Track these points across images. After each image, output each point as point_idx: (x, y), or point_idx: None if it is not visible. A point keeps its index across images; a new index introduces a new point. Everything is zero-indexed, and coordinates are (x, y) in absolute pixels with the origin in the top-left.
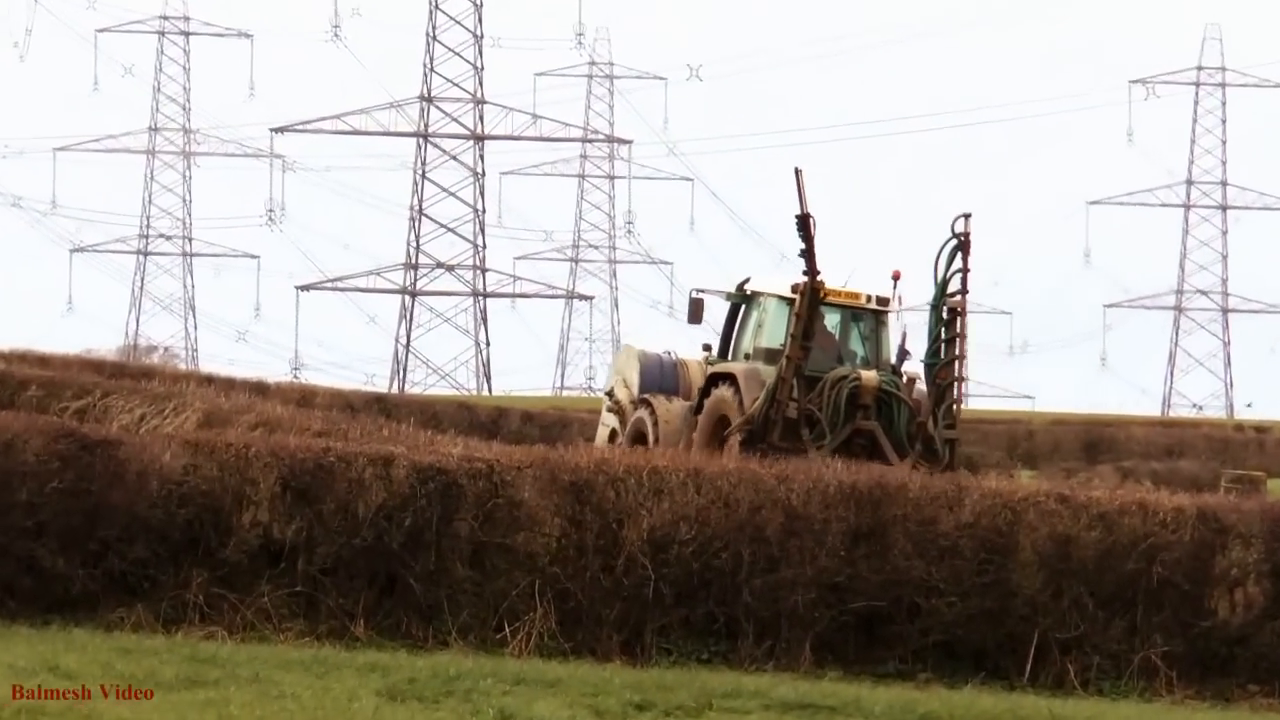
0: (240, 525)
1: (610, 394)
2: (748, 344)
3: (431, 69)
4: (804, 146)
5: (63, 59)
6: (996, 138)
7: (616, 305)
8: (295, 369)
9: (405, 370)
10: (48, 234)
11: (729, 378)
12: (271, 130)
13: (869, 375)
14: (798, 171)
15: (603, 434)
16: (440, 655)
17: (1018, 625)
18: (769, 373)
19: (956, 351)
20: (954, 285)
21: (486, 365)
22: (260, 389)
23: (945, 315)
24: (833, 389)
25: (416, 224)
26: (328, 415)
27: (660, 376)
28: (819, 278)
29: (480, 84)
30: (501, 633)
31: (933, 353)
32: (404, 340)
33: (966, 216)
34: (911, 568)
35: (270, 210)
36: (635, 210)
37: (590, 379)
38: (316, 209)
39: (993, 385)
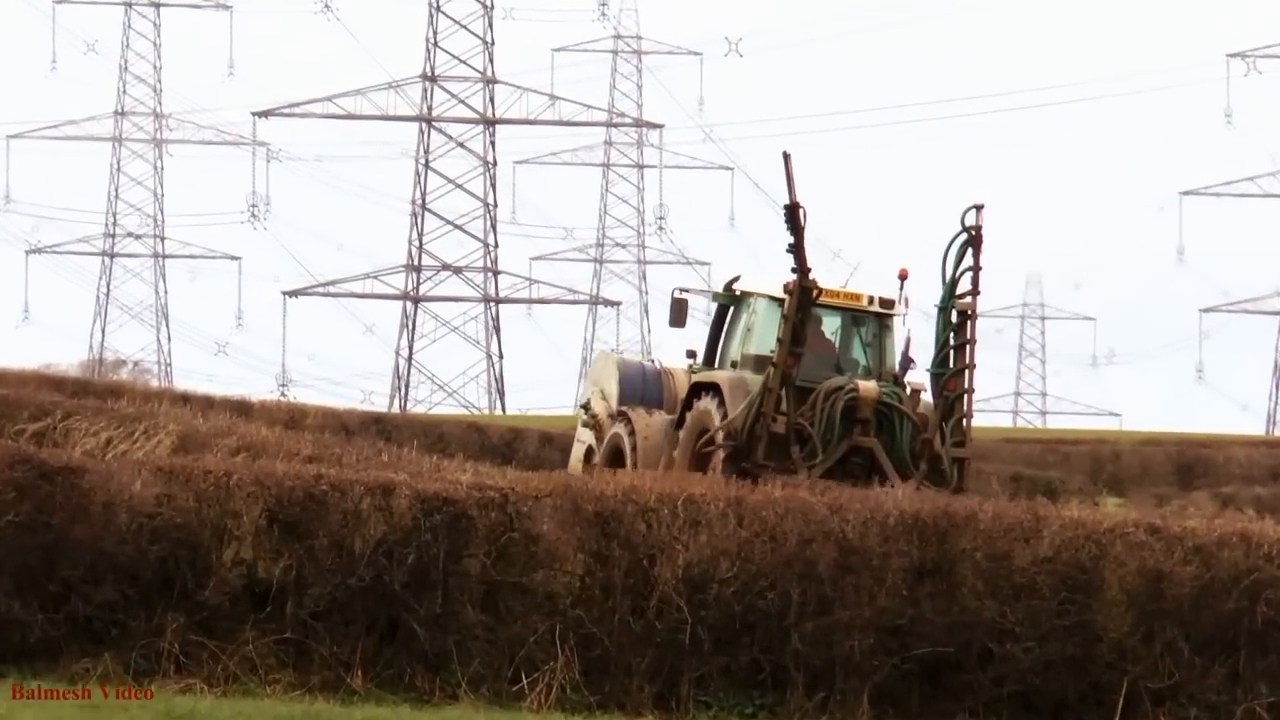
0: (221, 564)
1: (586, 407)
2: (735, 350)
3: (435, 44)
4: (857, 130)
5: (16, 35)
6: (1072, 121)
7: (646, 311)
8: (282, 385)
9: (407, 387)
10: (0, 233)
11: (713, 388)
12: (254, 114)
13: (867, 386)
14: (786, 156)
15: (577, 452)
16: (449, 710)
17: (1103, 673)
18: (757, 382)
19: (967, 359)
20: (964, 285)
21: (499, 380)
22: (243, 408)
23: (954, 319)
24: (826, 401)
25: (419, 220)
26: (319, 438)
27: (642, 387)
28: (810, 276)
29: (490, 61)
30: (518, 684)
31: (940, 361)
32: (405, 353)
33: (978, 208)
34: (982, 608)
35: (253, 205)
36: (667, 204)
37: None
38: (305, 204)
39: (1074, 401)
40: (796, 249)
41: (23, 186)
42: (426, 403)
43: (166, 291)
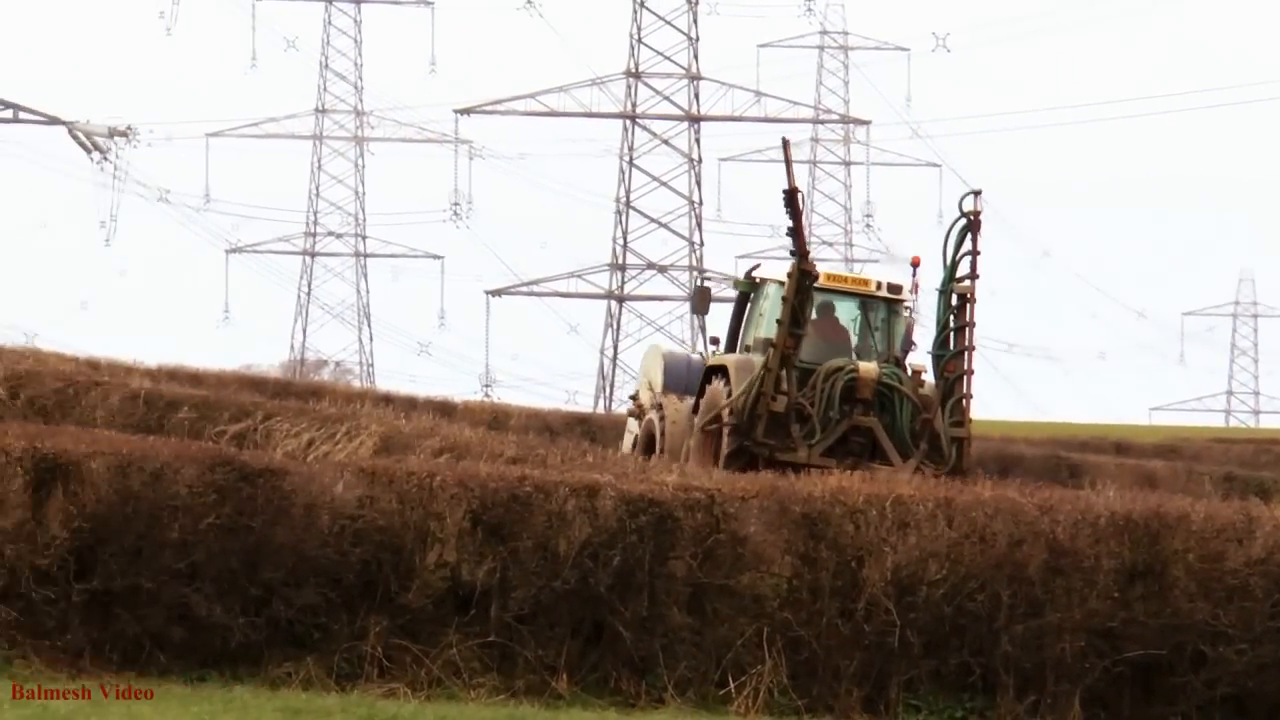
0: (424, 566)
1: (634, 398)
2: (750, 335)
3: (639, 40)
4: (1064, 126)
5: (216, 32)
6: None
7: None
8: (485, 385)
9: (612, 387)
10: (200, 232)
11: (722, 371)
12: (456, 112)
13: (868, 367)
14: (785, 143)
15: (627, 441)
16: (655, 714)
17: None
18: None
19: (966, 342)
20: (964, 269)
21: None
22: (445, 409)
23: (954, 302)
24: (826, 381)
25: (623, 218)
26: (523, 439)
27: (687, 377)
28: (809, 259)
29: (695, 57)
30: (725, 688)
31: (940, 343)
32: (610, 352)
33: (976, 193)
34: (1195, 610)
35: (455, 204)
36: (874, 201)
37: None
38: (508, 202)
39: None
40: (795, 233)
41: (223, 185)
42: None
43: (368, 291)
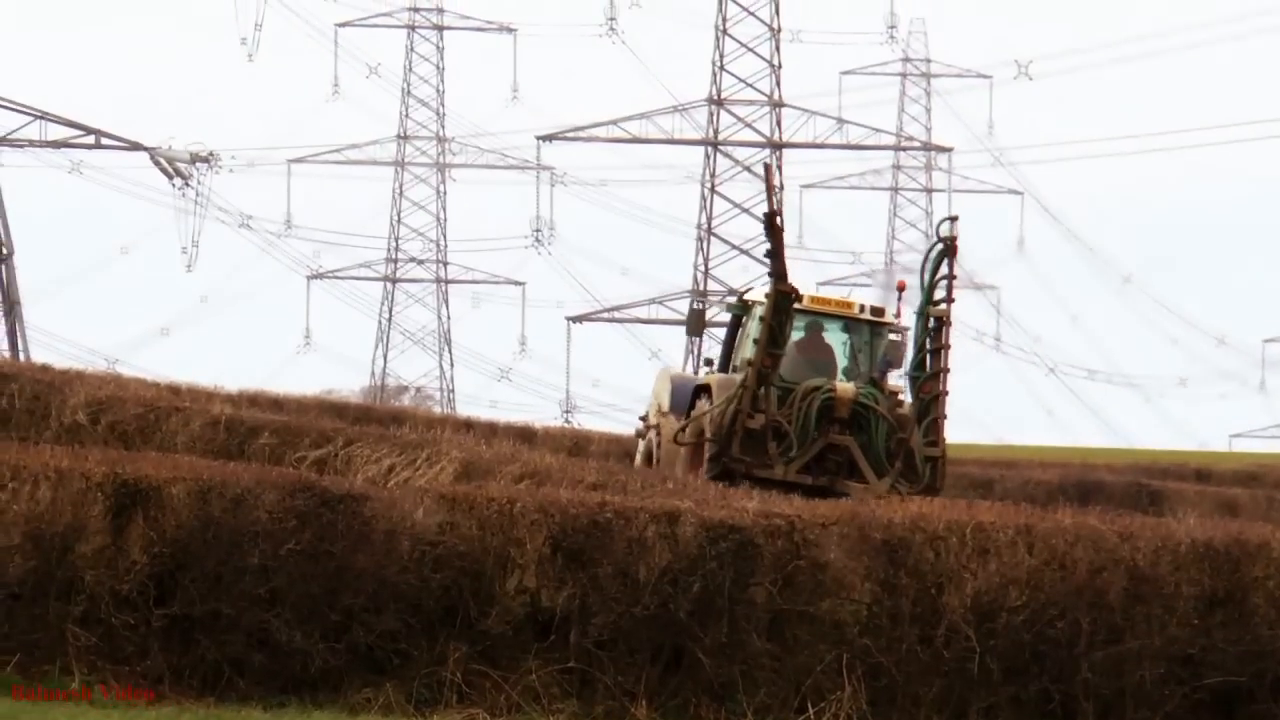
0: (504, 592)
1: (644, 418)
2: (739, 356)
3: (721, 67)
4: (1148, 153)
5: (298, 58)
6: None
7: None
8: (566, 412)
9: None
10: (282, 258)
11: (708, 389)
12: (538, 138)
13: (844, 387)
14: (767, 168)
15: (638, 461)
16: None
17: None
18: None
19: (942, 363)
20: (940, 293)
21: None
22: (526, 435)
23: (931, 325)
24: (804, 400)
25: (705, 245)
26: (604, 465)
27: (691, 398)
28: (788, 281)
29: (777, 84)
30: (805, 713)
31: (917, 364)
32: None
33: (953, 219)
34: (1275, 637)
35: (537, 230)
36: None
37: None
38: (589, 228)
39: None
40: (774, 255)
41: (304, 211)
42: None
43: (449, 316)
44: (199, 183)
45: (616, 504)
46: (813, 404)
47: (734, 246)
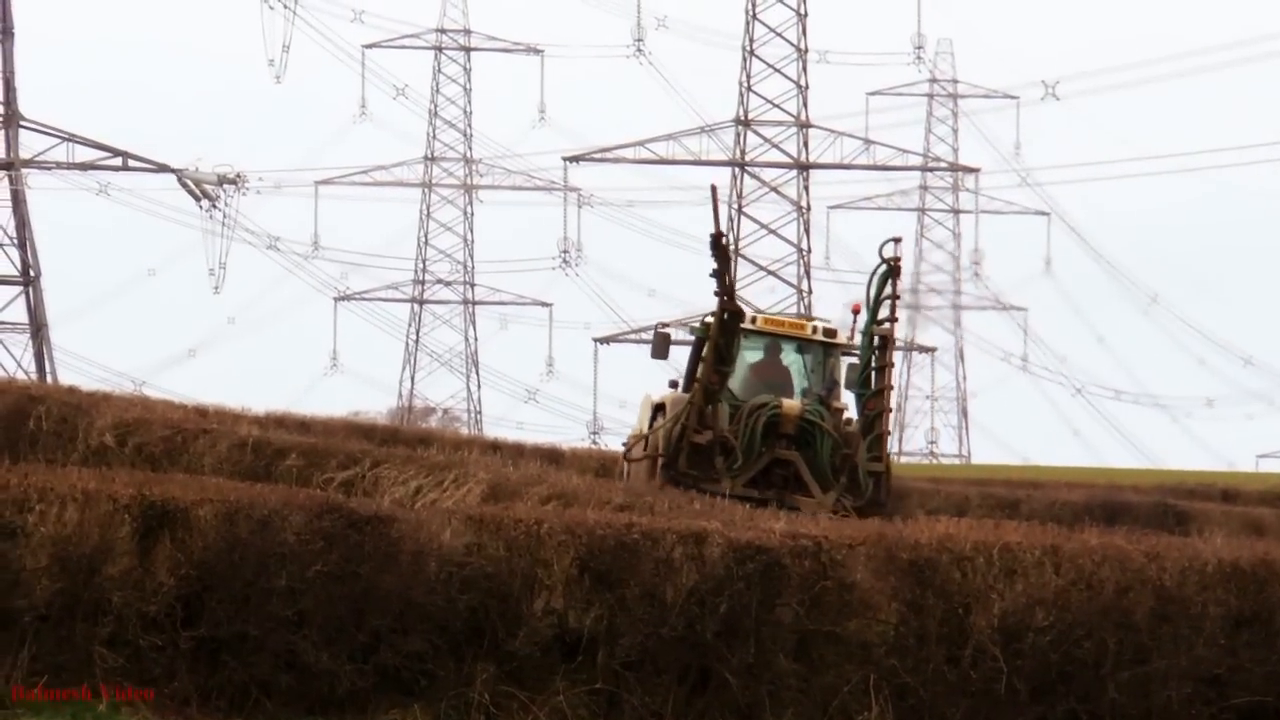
0: (531, 613)
1: (626, 443)
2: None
3: (749, 88)
4: (1175, 174)
5: (325, 80)
6: None
7: (961, 357)
8: (594, 433)
9: None
10: (309, 280)
11: (663, 407)
12: (565, 159)
13: (790, 404)
14: (713, 189)
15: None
16: None
17: None
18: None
19: (886, 381)
20: (884, 312)
21: None
22: (554, 456)
23: (875, 343)
24: (750, 417)
25: (732, 266)
26: (631, 486)
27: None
28: (734, 301)
29: (804, 105)
30: None
31: (862, 382)
32: None
33: (896, 241)
34: None
35: (564, 251)
36: (983, 249)
37: (932, 442)
38: (617, 249)
39: None
40: (720, 275)
41: (332, 233)
42: None
43: (476, 338)
44: (226, 204)
45: (644, 525)
46: (759, 420)
47: (761, 267)
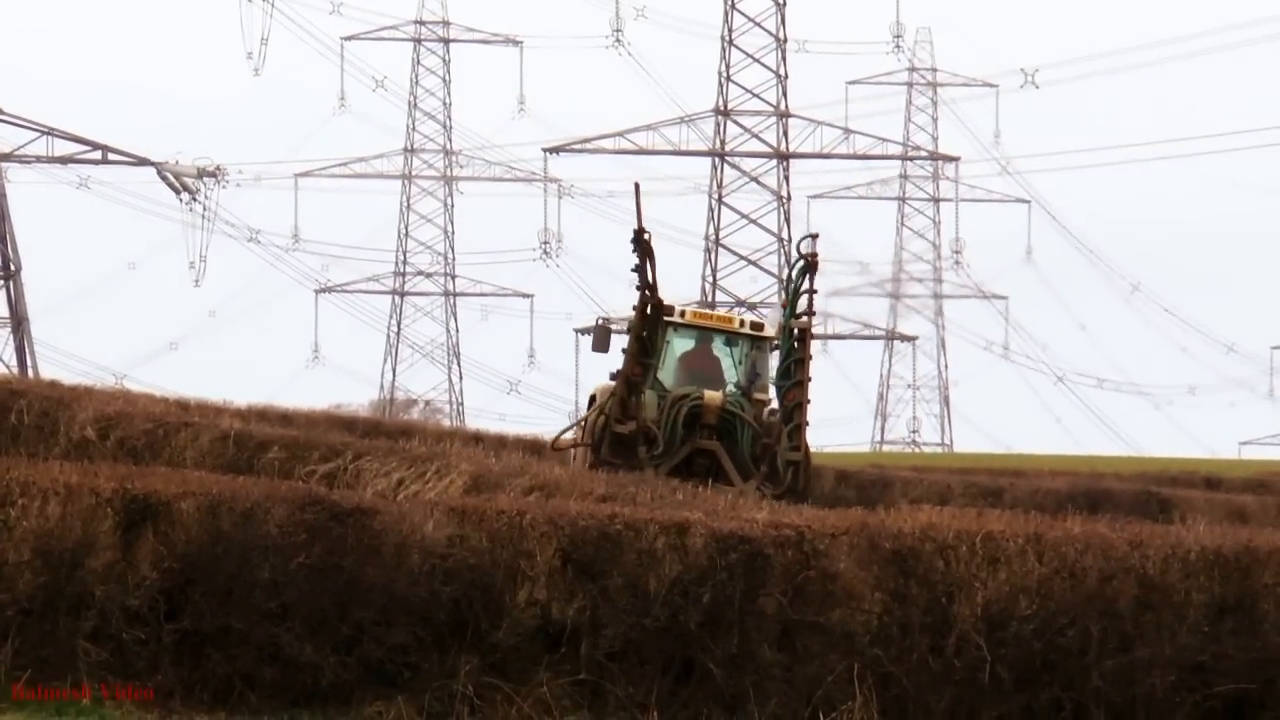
0: (514, 604)
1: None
2: None
3: (728, 78)
4: (1156, 161)
5: (304, 72)
6: None
7: (943, 346)
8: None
9: None
10: (290, 272)
11: (594, 398)
12: (545, 150)
13: (712, 395)
14: (636, 186)
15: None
16: None
17: None
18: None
19: (805, 373)
20: (802, 305)
21: None
22: (535, 448)
23: (795, 335)
24: (673, 407)
25: (713, 256)
26: (613, 477)
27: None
28: (656, 294)
29: (784, 94)
30: None
31: (782, 373)
32: None
33: (814, 237)
34: None
35: (544, 242)
36: (963, 237)
37: (914, 431)
38: (597, 240)
39: None
40: (641, 270)
41: (312, 225)
42: None
43: (457, 329)
44: (206, 197)
45: (626, 516)
46: (681, 411)
47: (742, 257)
